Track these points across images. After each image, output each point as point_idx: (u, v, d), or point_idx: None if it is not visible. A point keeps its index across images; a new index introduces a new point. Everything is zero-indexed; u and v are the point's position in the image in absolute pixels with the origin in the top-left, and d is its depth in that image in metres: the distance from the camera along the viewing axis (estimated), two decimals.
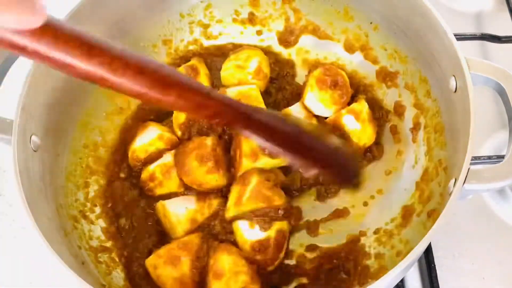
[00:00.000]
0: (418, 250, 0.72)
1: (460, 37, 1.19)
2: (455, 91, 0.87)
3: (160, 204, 0.97)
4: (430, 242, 1.00)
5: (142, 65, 0.54)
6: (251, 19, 1.18)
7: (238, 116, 0.66)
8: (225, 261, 0.87)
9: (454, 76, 0.87)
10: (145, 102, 0.66)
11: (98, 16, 1.00)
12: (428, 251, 1.00)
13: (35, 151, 0.87)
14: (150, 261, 0.90)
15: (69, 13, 0.94)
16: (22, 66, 0.90)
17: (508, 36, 1.22)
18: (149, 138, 1.02)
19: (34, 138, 0.87)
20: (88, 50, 0.50)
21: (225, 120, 0.66)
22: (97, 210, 1.00)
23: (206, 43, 1.20)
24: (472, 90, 0.81)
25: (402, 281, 1.02)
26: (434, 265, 0.98)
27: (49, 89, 0.93)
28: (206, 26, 1.19)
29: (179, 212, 0.95)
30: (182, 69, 1.07)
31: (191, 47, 1.19)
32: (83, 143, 1.04)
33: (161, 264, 0.88)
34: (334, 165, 0.80)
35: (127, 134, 1.08)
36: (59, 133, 0.97)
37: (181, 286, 0.87)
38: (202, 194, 0.97)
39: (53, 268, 0.76)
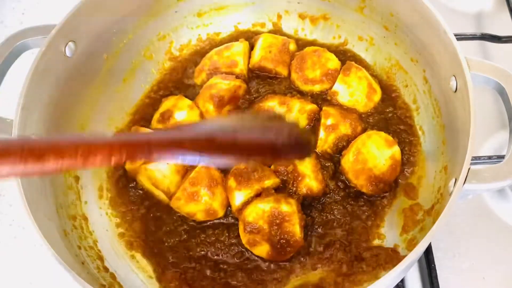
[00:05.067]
0: (418, 250, 0.72)
1: (460, 37, 1.19)
2: (455, 91, 0.87)
3: (142, 169, 0.99)
4: (430, 242, 1.00)
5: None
6: None
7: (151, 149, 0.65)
8: None
9: (454, 76, 0.87)
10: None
11: (98, 16, 1.00)
12: (428, 251, 1.00)
13: None
14: (173, 204, 0.98)
15: (70, 12, 0.94)
16: (22, 66, 0.90)
17: (508, 36, 1.22)
18: None
19: (34, 138, 0.87)
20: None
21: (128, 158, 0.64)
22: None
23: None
24: (472, 90, 0.81)
25: (402, 281, 1.02)
26: (434, 265, 0.98)
27: (49, 89, 0.93)
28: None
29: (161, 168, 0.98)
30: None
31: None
32: None
33: (183, 204, 0.96)
34: (280, 148, 0.78)
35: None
36: (59, 133, 0.97)
37: (209, 215, 0.97)
38: None
39: (53, 268, 0.76)
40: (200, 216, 0.97)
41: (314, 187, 0.97)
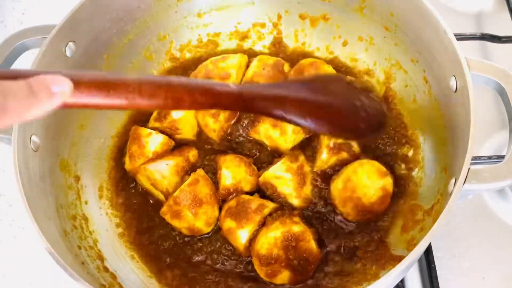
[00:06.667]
0: (418, 250, 0.72)
1: (460, 37, 1.18)
2: (455, 91, 0.87)
3: (141, 168, 0.99)
4: (430, 242, 1.00)
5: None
6: None
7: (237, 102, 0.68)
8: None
9: (454, 76, 0.87)
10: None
11: (98, 16, 1.00)
12: (428, 251, 1.00)
13: (35, 151, 0.87)
14: (162, 215, 0.97)
15: (70, 12, 0.94)
16: (22, 66, 0.90)
17: (508, 36, 1.22)
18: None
19: (34, 138, 0.87)
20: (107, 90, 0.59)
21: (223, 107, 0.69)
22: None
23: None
24: (472, 90, 0.81)
25: (402, 281, 1.02)
26: (434, 265, 0.98)
27: None
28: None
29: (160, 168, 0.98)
30: None
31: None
32: (83, 143, 1.04)
33: (169, 218, 0.96)
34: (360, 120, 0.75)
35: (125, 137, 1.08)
36: (59, 133, 0.97)
37: (193, 232, 0.96)
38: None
39: (53, 268, 0.77)
40: (185, 232, 0.96)
41: (297, 205, 0.96)
